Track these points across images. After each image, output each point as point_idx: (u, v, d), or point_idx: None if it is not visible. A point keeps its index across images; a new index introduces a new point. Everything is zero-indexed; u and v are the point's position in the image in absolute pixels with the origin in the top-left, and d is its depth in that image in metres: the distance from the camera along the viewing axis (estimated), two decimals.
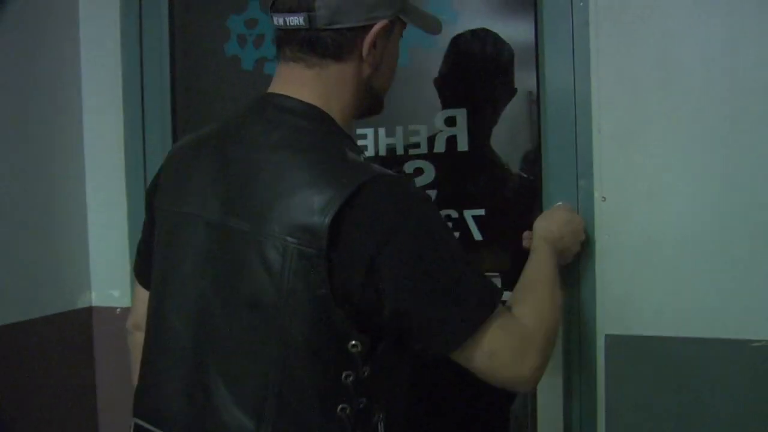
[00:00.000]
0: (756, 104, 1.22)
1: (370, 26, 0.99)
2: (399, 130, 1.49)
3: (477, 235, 1.43)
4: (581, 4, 1.32)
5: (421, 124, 1.47)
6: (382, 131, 1.50)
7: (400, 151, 1.49)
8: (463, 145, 1.45)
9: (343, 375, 0.92)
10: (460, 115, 1.44)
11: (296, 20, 0.96)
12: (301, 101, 0.99)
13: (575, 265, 1.32)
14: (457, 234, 1.44)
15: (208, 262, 0.97)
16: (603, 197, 1.31)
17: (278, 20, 0.99)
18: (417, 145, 1.48)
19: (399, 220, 0.91)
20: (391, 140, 1.50)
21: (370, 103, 1.07)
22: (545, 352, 1.00)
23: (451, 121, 1.45)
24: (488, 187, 1.45)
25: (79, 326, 1.72)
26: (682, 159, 1.26)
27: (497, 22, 1.44)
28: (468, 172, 1.46)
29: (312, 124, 0.98)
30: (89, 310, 1.75)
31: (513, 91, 1.45)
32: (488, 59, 1.47)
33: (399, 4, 1.03)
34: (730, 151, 1.23)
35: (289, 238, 0.89)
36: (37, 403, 1.60)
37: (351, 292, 0.90)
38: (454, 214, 1.45)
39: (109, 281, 1.74)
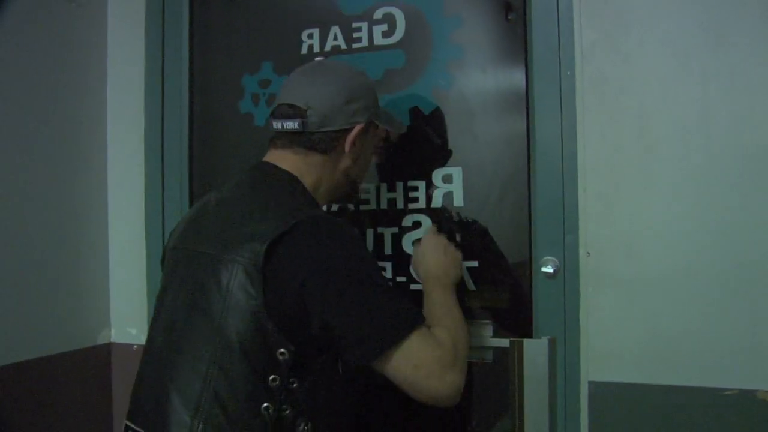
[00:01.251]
0: (729, 168, 1.29)
1: (351, 128, 1.22)
2: (399, 185, 1.56)
3: (471, 285, 1.49)
4: (569, 73, 1.41)
5: (420, 180, 1.55)
6: (383, 186, 1.58)
7: (400, 205, 1.57)
8: (458, 200, 1.52)
9: (270, 378, 1.08)
10: (456, 172, 1.52)
11: (292, 125, 1.20)
12: (279, 168, 1.23)
13: (560, 315, 1.40)
14: None
15: (183, 282, 1.17)
16: (588, 252, 1.38)
17: (277, 125, 1.22)
18: (416, 200, 1.55)
19: (329, 251, 1.10)
20: (392, 195, 1.57)
21: (348, 190, 1.31)
22: (462, 370, 1.15)
23: (447, 179, 1.53)
24: (481, 240, 1.51)
25: (99, 361, 1.80)
26: (661, 218, 1.33)
27: (489, 90, 1.51)
28: (463, 225, 1.52)
29: (283, 183, 1.21)
30: (108, 347, 1.82)
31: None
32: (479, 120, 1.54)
33: (372, 110, 1.26)
34: (706, 210, 1.30)
35: (238, 258, 1.10)
36: None
37: (283, 306, 1.08)
38: None
39: (128, 319, 1.82)
